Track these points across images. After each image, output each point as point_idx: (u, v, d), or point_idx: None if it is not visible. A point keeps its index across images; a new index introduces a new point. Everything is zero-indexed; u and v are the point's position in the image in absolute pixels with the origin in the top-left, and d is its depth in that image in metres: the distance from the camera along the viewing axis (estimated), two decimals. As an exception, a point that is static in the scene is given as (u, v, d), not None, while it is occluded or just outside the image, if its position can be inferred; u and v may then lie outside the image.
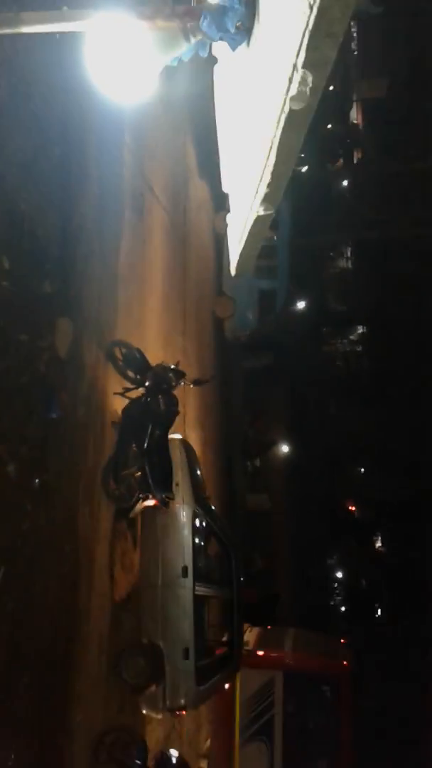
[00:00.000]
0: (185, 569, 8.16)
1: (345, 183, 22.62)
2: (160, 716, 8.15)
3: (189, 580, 8.15)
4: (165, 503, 7.82)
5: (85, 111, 7.02)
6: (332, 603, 24.43)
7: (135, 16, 2.48)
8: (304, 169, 18.84)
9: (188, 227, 12.80)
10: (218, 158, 3.43)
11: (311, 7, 1.72)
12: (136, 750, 7.31)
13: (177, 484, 8.20)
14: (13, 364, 6.11)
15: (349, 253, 23.82)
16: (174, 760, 7.40)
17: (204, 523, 8.86)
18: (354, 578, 24.20)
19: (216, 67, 3.22)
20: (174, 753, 7.53)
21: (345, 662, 10.95)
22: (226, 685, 9.13)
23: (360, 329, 24.08)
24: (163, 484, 7.78)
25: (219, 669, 8.77)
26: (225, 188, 3.26)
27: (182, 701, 7.88)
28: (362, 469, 23.60)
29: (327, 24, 1.73)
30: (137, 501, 7.91)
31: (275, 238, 16.25)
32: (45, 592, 6.28)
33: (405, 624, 20.22)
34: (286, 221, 16.30)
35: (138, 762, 7.21)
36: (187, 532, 8.31)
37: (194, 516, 8.48)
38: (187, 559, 8.16)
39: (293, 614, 19.53)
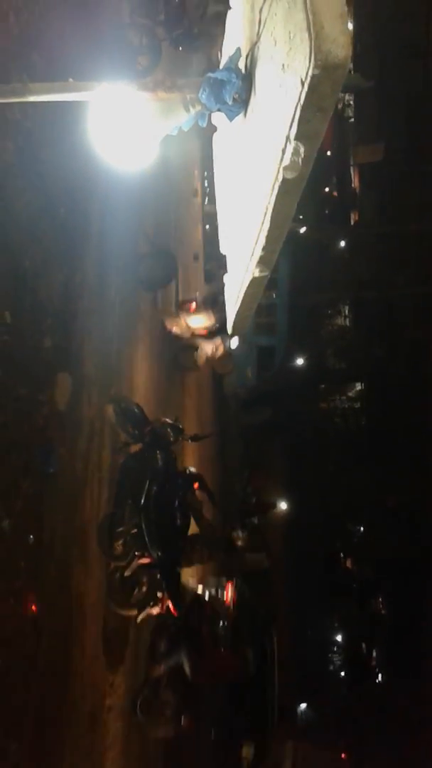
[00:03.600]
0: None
1: (342, 243, 23.08)
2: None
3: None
4: (160, 561, 7.70)
5: (89, 173, 7.24)
6: (331, 668, 23.72)
7: (137, 87, 2.60)
8: (303, 230, 19.27)
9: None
10: (217, 220, 3.57)
11: (302, 83, 1.82)
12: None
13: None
14: (12, 417, 6.12)
15: (347, 311, 24.12)
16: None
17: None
18: (354, 641, 23.57)
19: (215, 135, 3.36)
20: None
21: None
22: None
23: (358, 386, 24.15)
24: (159, 542, 7.68)
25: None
26: (222, 250, 3.36)
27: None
28: (361, 528, 23.28)
29: (318, 99, 1.82)
30: (133, 559, 7.78)
31: (274, 296, 16.51)
32: (35, 654, 6.12)
33: (406, 690, 19.57)
34: (285, 280, 16.60)
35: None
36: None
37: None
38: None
39: (292, 679, 18.96)
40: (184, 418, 10.69)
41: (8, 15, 7.01)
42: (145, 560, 7.73)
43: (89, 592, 7.36)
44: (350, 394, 24.38)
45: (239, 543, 9.50)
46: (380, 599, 23.17)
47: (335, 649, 24.01)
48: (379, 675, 23.27)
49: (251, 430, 18.67)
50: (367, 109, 23.43)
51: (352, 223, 24.87)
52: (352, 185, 24.79)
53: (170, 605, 7.87)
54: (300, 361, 20.91)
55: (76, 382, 7.39)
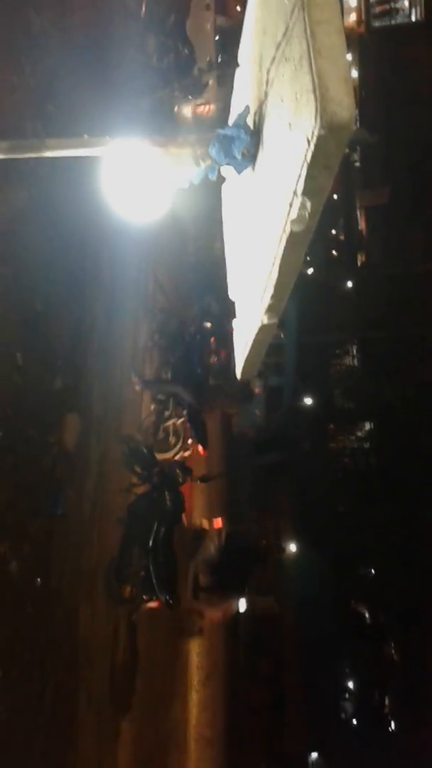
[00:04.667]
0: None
1: (350, 284, 23.29)
2: None
3: None
4: (169, 606, 7.61)
5: (101, 220, 7.39)
6: (344, 715, 23.09)
7: (149, 143, 2.70)
8: (310, 270, 19.48)
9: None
10: (225, 265, 3.67)
11: (309, 142, 1.89)
12: None
13: None
14: (22, 459, 6.16)
15: (355, 351, 24.18)
16: None
17: None
18: (367, 688, 22.98)
19: (224, 186, 3.47)
20: None
21: None
22: None
23: (367, 426, 24.04)
24: (167, 585, 7.59)
25: None
26: (231, 296, 3.43)
27: None
28: (372, 570, 22.91)
29: (323, 157, 1.89)
30: (140, 603, 7.69)
31: (282, 335, 16.61)
32: (41, 701, 6.03)
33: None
34: (292, 320, 16.71)
35: None
36: None
37: None
38: None
39: (303, 727, 18.48)
40: (191, 458, 10.66)
41: (24, 67, 7.29)
42: (153, 604, 7.64)
43: (96, 637, 7.27)
44: (359, 433, 24.28)
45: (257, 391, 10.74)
46: (393, 644, 22.68)
47: (347, 696, 23.41)
48: (392, 722, 22.61)
49: (260, 471, 18.57)
50: (373, 153, 23.88)
51: (359, 264, 25.12)
52: (359, 227, 25.13)
53: (200, 448, 8.85)
54: (308, 401, 20.90)
55: (84, 423, 7.44)
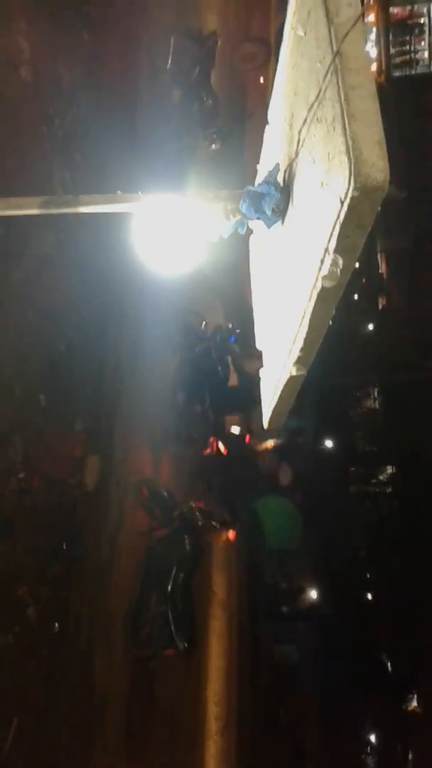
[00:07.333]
0: None
1: (371, 327, 23.28)
2: None
3: None
4: (186, 653, 7.47)
5: (126, 266, 7.53)
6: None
7: (181, 198, 2.76)
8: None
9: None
10: (249, 310, 3.71)
11: (342, 203, 1.91)
12: None
13: None
14: (41, 501, 6.17)
15: (376, 394, 24.02)
16: None
17: None
18: (389, 741, 22.14)
19: (251, 237, 3.53)
20: None
21: None
22: None
23: (389, 470, 23.72)
24: (184, 631, 7.47)
25: None
26: (259, 346, 3.45)
27: None
28: (395, 619, 22.30)
29: (357, 217, 1.91)
30: (158, 649, 7.56)
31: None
32: (57, 747, 5.91)
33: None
34: (314, 363, 16.70)
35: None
36: None
37: None
38: None
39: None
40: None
41: (53, 119, 7.54)
42: (170, 651, 7.50)
43: (113, 682, 7.14)
44: (381, 477, 23.94)
45: None
46: (416, 695, 21.95)
47: (368, 749, 22.58)
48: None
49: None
50: (395, 199, 24.10)
51: (380, 307, 25.16)
52: (380, 271, 25.26)
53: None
54: (329, 444, 20.72)
55: (105, 465, 7.45)
